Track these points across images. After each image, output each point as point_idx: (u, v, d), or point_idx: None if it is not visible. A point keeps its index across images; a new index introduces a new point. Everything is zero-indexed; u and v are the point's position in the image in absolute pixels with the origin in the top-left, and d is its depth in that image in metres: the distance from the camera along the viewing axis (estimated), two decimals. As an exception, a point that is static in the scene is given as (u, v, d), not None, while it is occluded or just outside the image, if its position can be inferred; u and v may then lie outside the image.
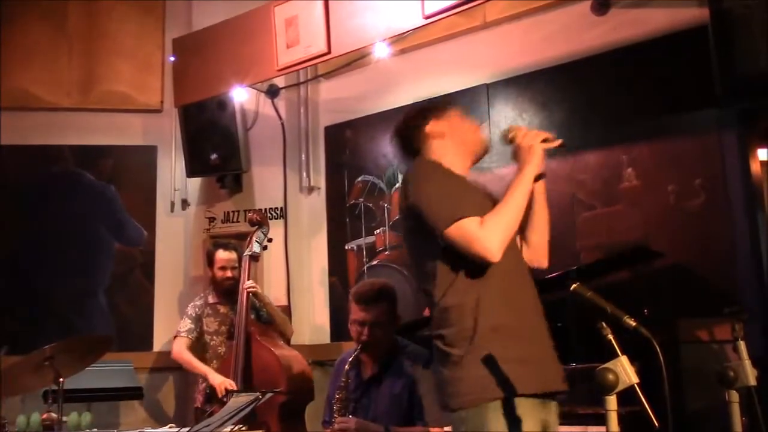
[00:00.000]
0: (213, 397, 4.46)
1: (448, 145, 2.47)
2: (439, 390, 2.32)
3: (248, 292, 4.43)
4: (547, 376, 2.27)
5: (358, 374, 3.53)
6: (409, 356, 3.45)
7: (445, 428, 3.33)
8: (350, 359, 3.48)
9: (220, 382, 4.31)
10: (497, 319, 2.23)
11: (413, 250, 2.44)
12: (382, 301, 3.43)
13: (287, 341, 4.81)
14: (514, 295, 2.29)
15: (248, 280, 4.46)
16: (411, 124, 2.54)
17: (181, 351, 4.67)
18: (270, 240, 4.67)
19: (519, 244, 2.47)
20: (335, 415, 3.44)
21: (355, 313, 3.45)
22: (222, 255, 4.72)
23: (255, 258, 4.54)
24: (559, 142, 2.37)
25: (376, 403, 3.42)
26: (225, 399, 4.18)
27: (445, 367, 2.27)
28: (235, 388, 4.22)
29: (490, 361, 2.18)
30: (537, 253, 2.49)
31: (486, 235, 2.17)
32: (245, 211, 5.41)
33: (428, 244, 2.29)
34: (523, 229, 2.45)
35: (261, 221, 4.61)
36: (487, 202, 2.37)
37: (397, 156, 2.67)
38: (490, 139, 4.61)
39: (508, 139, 2.42)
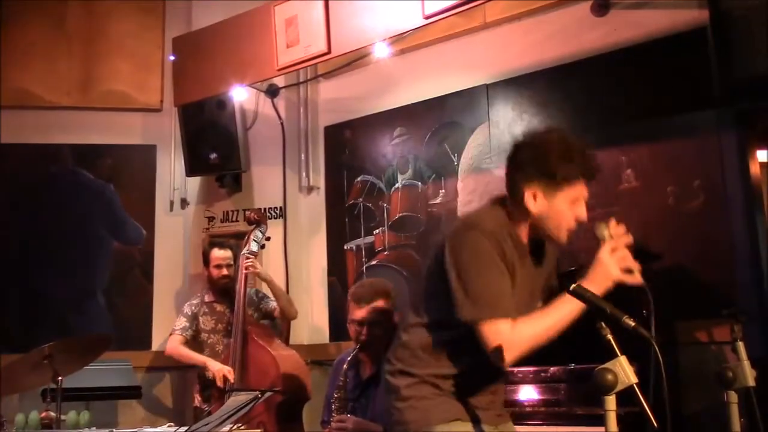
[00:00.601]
0: (211, 397, 4.47)
1: (526, 217, 2.24)
2: (385, 414, 2.38)
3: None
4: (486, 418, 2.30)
5: (356, 374, 3.53)
6: None
7: None
8: (349, 359, 3.48)
9: (219, 368, 4.34)
10: (453, 389, 2.26)
11: (426, 291, 2.37)
12: (381, 300, 3.44)
13: (288, 327, 4.83)
14: (484, 380, 2.30)
15: (242, 307, 4.43)
16: (518, 167, 2.24)
17: (176, 347, 4.69)
18: (268, 239, 4.69)
19: None
20: (333, 415, 3.44)
21: (354, 312, 3.46)
22: (217, 253, 4.74)
23: (252, 256, 4.54)
24: (639, 280, 2.08)
25: (375, 403, 3.42)
26: (225, 387, 4.20)
27: (388, 396, 2.33)
28: (232, 376, 4.25)
29: (430, 395, 2.25)
30: None
31: (512, 344, 2.08)
32: (244, 210, 5.40)
33: (440, 298, 2.23)
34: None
35: (259, 220, 4.62)
36: (526, 284, 2.27)
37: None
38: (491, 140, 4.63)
39: (601, 235, 2.13)
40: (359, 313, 3.43)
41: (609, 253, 2.10)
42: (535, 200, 2.20)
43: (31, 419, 4.03)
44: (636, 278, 2.08)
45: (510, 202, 2.28)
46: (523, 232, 2.27)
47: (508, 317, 2.09)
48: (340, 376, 3.48)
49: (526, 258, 2.28)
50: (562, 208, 2.20)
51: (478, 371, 2.24)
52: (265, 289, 4.82)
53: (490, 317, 2.09)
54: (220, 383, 4.29)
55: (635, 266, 2.09)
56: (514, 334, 2.08)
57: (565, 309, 2.10)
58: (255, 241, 4.54)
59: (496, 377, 2.35)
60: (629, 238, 2.13)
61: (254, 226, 4.60)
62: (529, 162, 2.22)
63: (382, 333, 3.41)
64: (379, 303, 3.43)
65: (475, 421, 2.24)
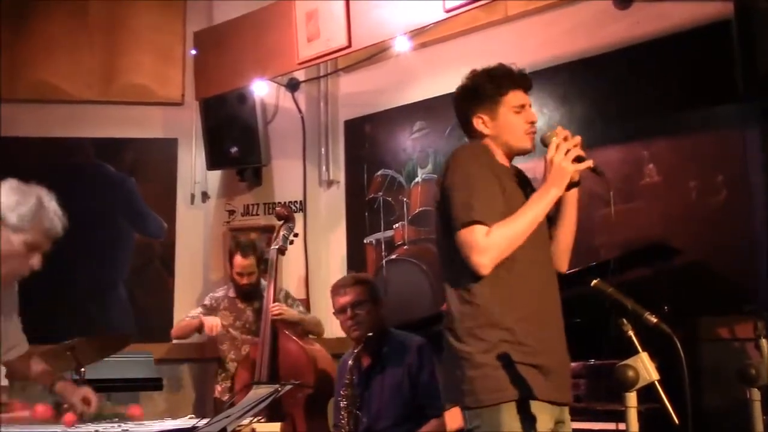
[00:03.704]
0: (232, 388, 4.49)
1: (491, 140, 2.43)
2: (452, 385, 2.32)
3: (274, 319, 4.41)
4: (558, 389, 2.27)
5: (359, 369, 3.58)
6: (404, 344, 3.49)
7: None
8: (352, 357, 3.53)
9: (210, 321, 4.59)
10: (512, 320, 2.23)
11: (439, 234, 2.43)
12: (358, 284, 3.61)
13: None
14: (535, 297, 2.28)
15: (272, 301, 4.43)
16: (461, 109, 2.49)
17: (176, 325, 4.90)
18: (296, 235, 4.71)
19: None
20: (342, 413, 3.47)
21: (336, 303, 3.64)
22: (239, 261, 4.71)
23: (282, 252, 4.55)
24: (590, 163, 2.26)
25: (377, 395, 3.47)
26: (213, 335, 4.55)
27: (457, 364, 2.27)
28: (217, 329, 4.54)
29: (506, 363, 2.19)
30: (557, 258, 2.49)
31: (486, 247, 2.18)
32: (265, 204, 5.44)
33: (450, 233, 2.29)
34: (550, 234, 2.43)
35: (288, 216, 4.65)
36: (518, 197, 2.35)
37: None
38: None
39: (545, 142, 2.32)
40: (340, 299, 3.61)
41: (554, 151, 2.25)
42: (484, 123, 2.41)
43: (53, 409, 4.07)
44: (587, 162, 2.24)
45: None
46: (503, 161, 2.44)
47: (485, 223, 2.19)
48: (345, 374, 3.54)
49: (515, 177, 2.43)
50: (510, 118, 2.40)
51: (522, 286, 2.25)
52: (285, 285, 4.84)
53: (469, 222, 2.20)
54: (207, 332, 4.55)
55: (582, 153, 2.26)
56: (488, 239, 2.18)
57: (535, 210, 2.25)
58: (285, 236, 4.55)
59: (546, 291, 2.36)
60: (576, 138, 2.28)
61: (283, 221, 4.62)
62: (465, 99, 2.46)
63: (366, 313, 3.55)
64: (357, 285, 3.61)
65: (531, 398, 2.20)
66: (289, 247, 5.13)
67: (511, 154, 2.45)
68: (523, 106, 2.41)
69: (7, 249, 2.45)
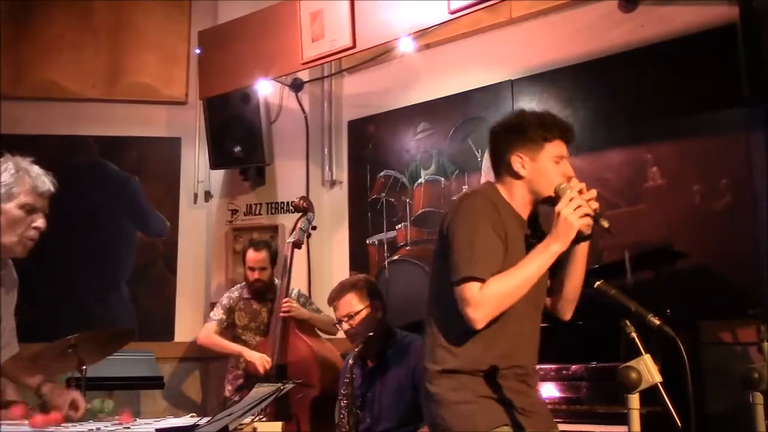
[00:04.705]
0: (244, 387, 4.46)
1: (520, 185, 2.37)
2: (433, 428, 2.36)
3: (283, 316, 4.40)
4: (536, 425, 2.29)
5: (362, 369, 3.58)
6: (408, 346, 3.50)
7: None
8: (352, 356, 3.54)
9: (259, 357, 4.34)
10: (491, 361, 2.26)
11: (434, 275, 2.43)
12: (347, 292, 3.57)
13: None
14: (516, 346, 2.30)
15: (285, 297, 4.42)
16: (500, 142, 2.42)
17: (209, 335, 4.65)
18: (314, 228, 4.66)
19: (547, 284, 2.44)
20: (342, 413, 3.47)
21: (335, 314, 3.64)
22: (251, 255, 4.65)
23: (298, 245, 4.51)
24: (605, 224, 2.19)
25: (380, 396, 3.46)
26: (264, 375, 4.23)
27: (429, 405, 2.31)
28: (269, 364, 4.27)
29: (480, 396, 2.23)
30: (561, 306, 2.46)
31: (479, 302, 2.16)
32: (267, 204, 5.43)
33: (446, 276, 2.28)
34: (553, 280, 2.41)
35: (307, 208, 4.58)
36: (521, 250, 2.30)
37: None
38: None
39: (558, 193, 2.25)
40: (336, 312, 3.60)
41: (565, 204, 2.19)
42: (522, 164, 2.34)
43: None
44: (603, 221, 2.19)
45: (500, 180, 2.41)
46: (520, 208, 2.38)
47: (484, 278, 2.17)
48: (346, 374, 3.53)
49: (523, 228, 2.37)
50: (548, 165, 2.33)
51: (500, 336, 2.25)
52: (294, 284, 4.83)
53: (468, 277, 2.18)
54: (261, 370, 4.27)
55: (596, 207, 2.21)
56: (482, 294, 2.16)
57: (535, 265, 2.20)
58: (302, 229, 4.50)
59: (524, 341, 2.36)
60: (591, 192, 2.24)
61: (302, 213, 4.56)
62: (509, 134, 2.39)
63: (358, 324, 3.52)
64: (346, 294, 3.56)
65: (520, 427, 2.23)
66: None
67: (536, 202, 2.39)
68: (562, 158, 2.36)
69: (7, 218, 2.53)
